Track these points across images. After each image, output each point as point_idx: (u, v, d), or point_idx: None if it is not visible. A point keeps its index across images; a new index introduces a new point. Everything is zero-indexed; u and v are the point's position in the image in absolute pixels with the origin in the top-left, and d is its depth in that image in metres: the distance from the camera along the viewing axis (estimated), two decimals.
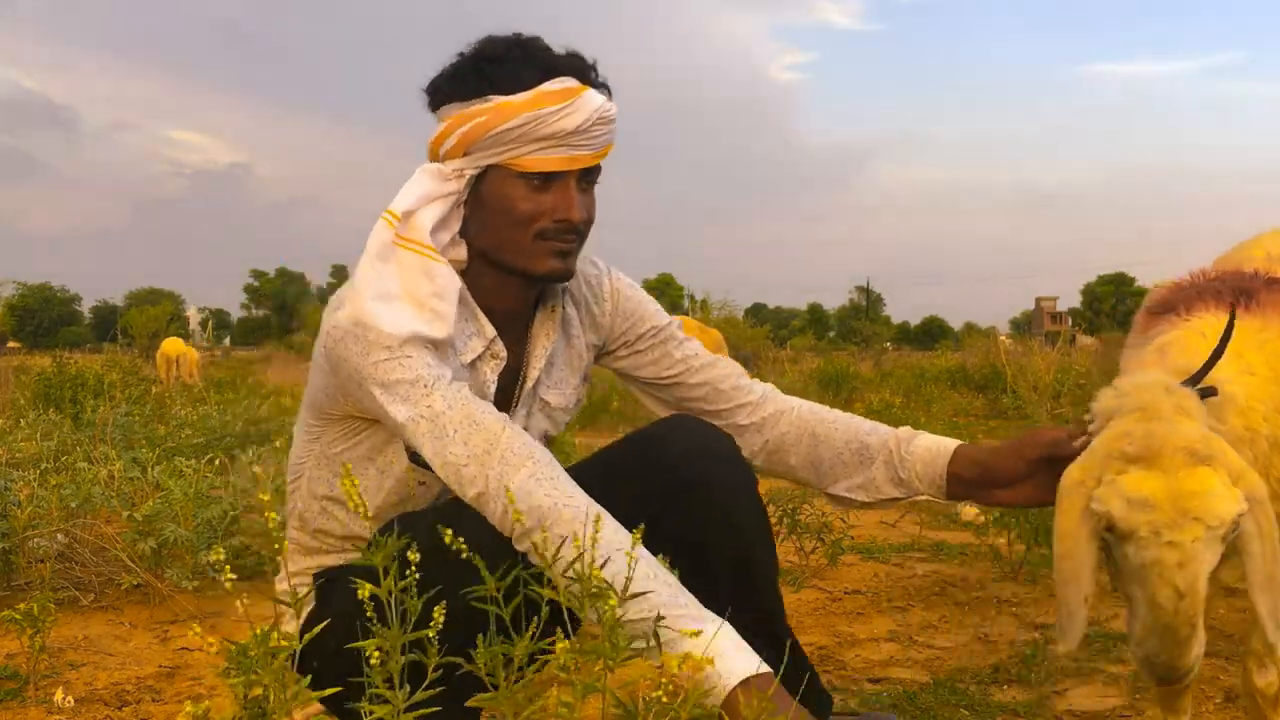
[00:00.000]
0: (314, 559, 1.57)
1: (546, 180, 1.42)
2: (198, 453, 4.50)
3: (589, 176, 1.47)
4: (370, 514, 1.29)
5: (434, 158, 1.47)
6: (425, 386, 1.33)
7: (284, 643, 1.03)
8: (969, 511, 4.35)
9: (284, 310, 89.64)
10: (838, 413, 1.66)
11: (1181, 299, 1.63)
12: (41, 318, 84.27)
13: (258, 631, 1.03)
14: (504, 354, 1.50)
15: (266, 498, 1.08)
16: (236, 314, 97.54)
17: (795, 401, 1.67)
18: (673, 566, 1.26)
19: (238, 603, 1.04)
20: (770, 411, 1.65)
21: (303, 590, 1.23)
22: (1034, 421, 8.42)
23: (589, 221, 1.48)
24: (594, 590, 1.07)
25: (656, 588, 1.18)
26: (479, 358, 1.48)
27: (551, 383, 1.59)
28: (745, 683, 1.13)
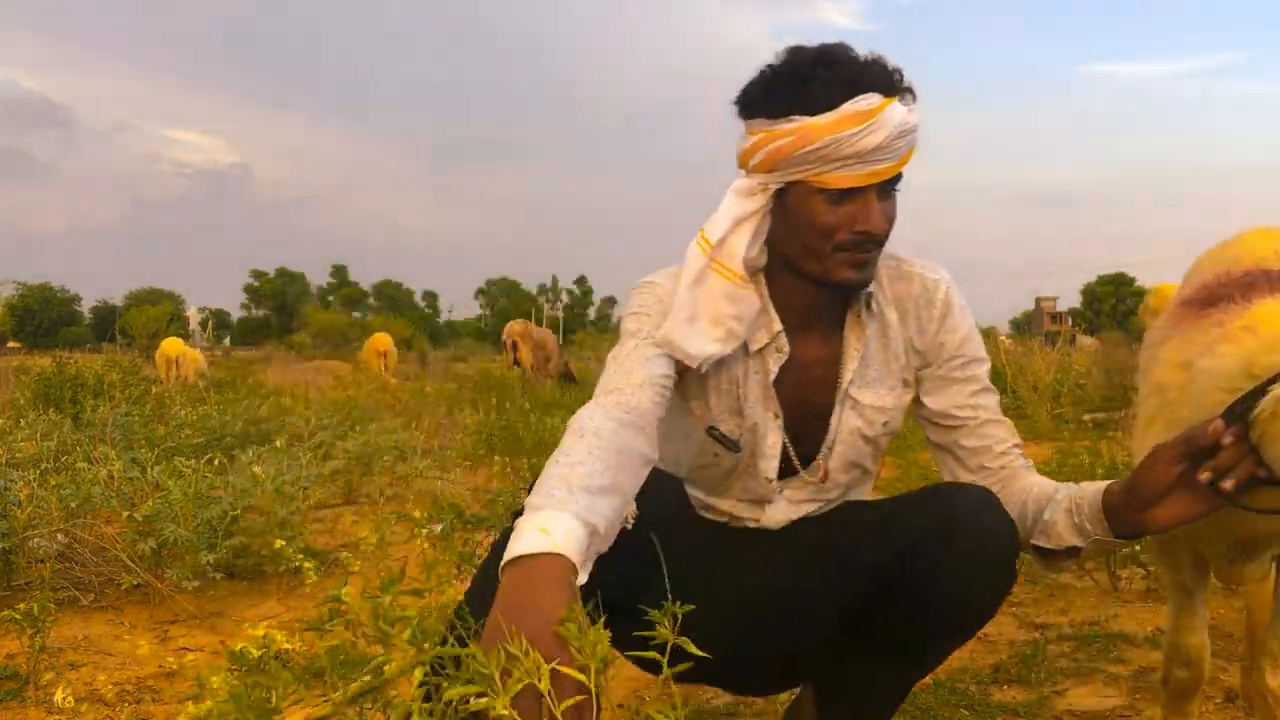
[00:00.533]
0: None
1: (847, 194, 1.47)
2: (198, 453, 4.50)
3: (889, 185, 1.51)
4: (685, 473, 1.69)
5: (742, 166, 1.56)
6: (629, 340, 1.55)
7: (285, 645, 1.03)
8: None
9: (284, 310, 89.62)
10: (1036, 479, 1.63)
11: (1234, 289, 1.60)
12: (41, 318, 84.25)
13: (259, 632, 1.03)
14: (786, 349, 1.61)
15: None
16: (236, 314, 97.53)
17: (1033, 490, 1.60)
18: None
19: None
20: (1011, 477, 1.62)
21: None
22: (1034, 422, 8.42)
23: (888, 230, 1.53)
24: None
25: (549, 483, 1.27)
26: (764, 348, 1.60)
27: (865, 382, 1.64)
28: (515, 559, 1.15)
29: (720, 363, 1.59)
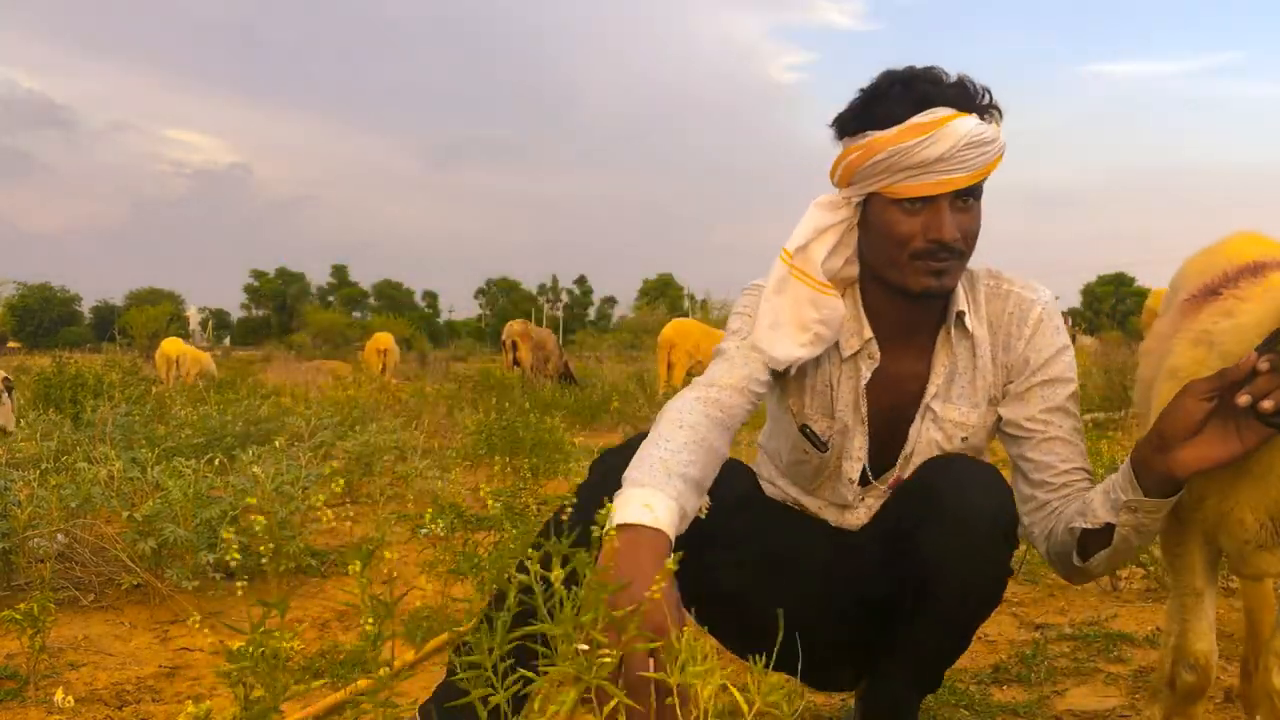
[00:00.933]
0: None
1: (920, 203, 1.53)
2: (198, 453, 4.50)
3: (966, 196, 1.55)
4: (783, 467, 1.79)
5: (834, 183, 1.65)
6: (730, 338, 1.66)
7: (285, 643, 1.03)
8: None
9: (284, 310, 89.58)
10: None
11: (1241, 275, 1.60)
12: (41, 318, 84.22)
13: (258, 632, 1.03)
14: (878, 355, 1.67)
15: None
16: (236, 314, 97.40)
17: (1075, 506, 1.61)
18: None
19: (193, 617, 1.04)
20: (1055, 519, 1.62)
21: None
22: None
23: (967, 238, 1.57)
24: None
25: (650, 462, 1.41)
26: (856, 354, 1.67)
27: (949, 397, 1.69)
28: (620, 527, 1.30)
29: (816, 364, 1.68)
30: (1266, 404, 1.32)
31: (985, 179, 1.57)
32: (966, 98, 1.54)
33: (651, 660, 1.16)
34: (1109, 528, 1.50)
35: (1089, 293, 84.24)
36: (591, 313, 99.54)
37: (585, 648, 1.11)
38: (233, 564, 1.46)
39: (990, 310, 1.69)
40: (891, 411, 1.69)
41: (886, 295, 1.64)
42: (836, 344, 1.66)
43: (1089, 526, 1.52)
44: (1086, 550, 1.55)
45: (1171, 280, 1.89)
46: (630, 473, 1.40)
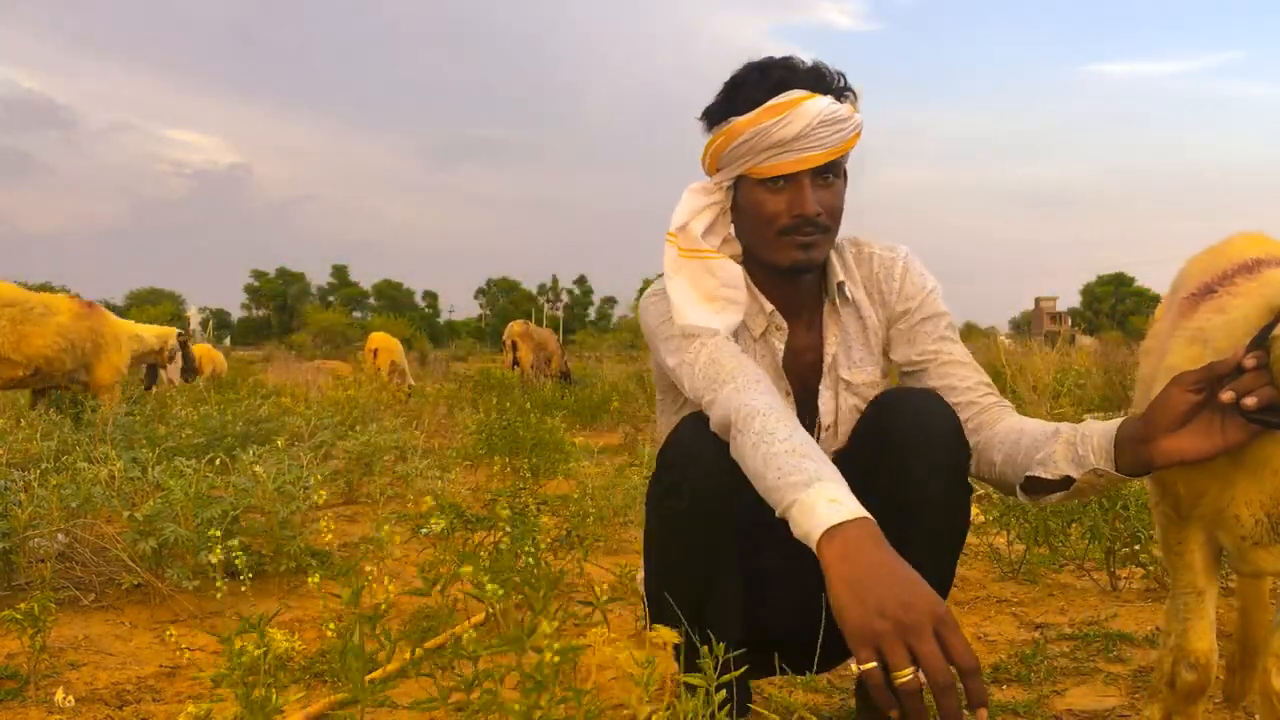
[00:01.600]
0: None
1: (783, 181, 1.62)
2: (198, 453, 4.50)
3: (826, 173, 1.64)
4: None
5: (705, 172, 1.74)
6: (690, 341, 1.63)
7: (284, 644, 1.03)
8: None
9: (284, 310, 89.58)
10: (1032, 422, 1.68)
11: (1237, 273, 1.60)
12: None
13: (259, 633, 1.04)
14: (784, 325, 1.74)
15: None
16: (237, 314, 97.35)
17: (1016, 429, 1.66)
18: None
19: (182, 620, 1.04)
20: (990, 416, 1.70)
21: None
22: None
23: (830, 213, 1.66)
24: None
25: (781, 459, 1.35)
26: (766, 331, 1.74)
27: (852, 363, 1.79)
28: (828, 532, 1.24)
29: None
30: (1249, 401, 1.32)
31: (844, 157, 1.66)
32: (820, 81, 1.63)
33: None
34: (1066, 477, 1.56)
35: (1089, 293, 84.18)
36: (591, 313, 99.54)
37: (872, 665, 1.13)
38: (210, 564, 1.45)
39: (861, 274, 1.80)
40: (800, 385, 1.77)
41: (767, 274, 1.73)
42: (746, 327, 1.72)
43: (1046, 476, 1.56)
44: (1035, 489, 1.61)
45: (1173, 280, 1.90)
46: (783, 477, 1.33)
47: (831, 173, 1.65)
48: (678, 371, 1.64)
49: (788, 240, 1.64)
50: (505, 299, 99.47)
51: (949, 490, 1.63)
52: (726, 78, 1.68)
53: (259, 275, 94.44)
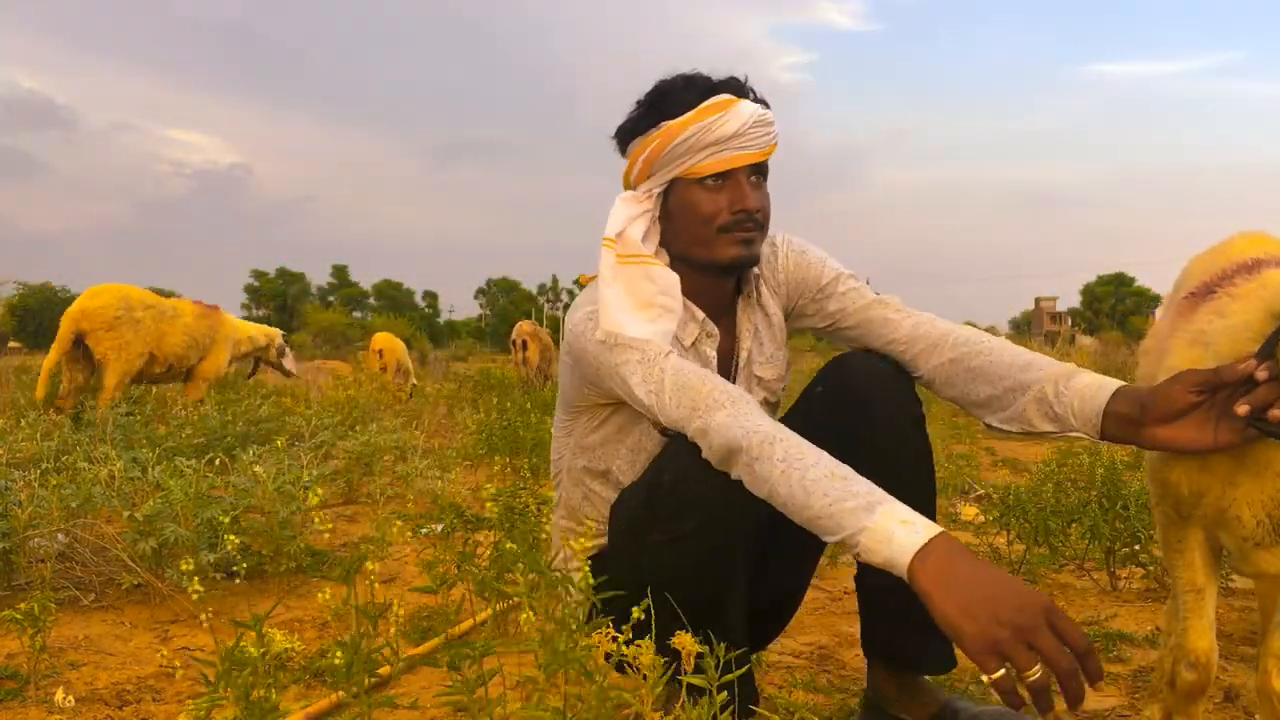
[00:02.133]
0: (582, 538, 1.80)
1: (720, 180, 1.66)
2: (198, 453, 4.50)
3: (758, 172, 1.70)
4: (645, 461, 1.73)
5: (628, 186, 1.76)
6: (649, 363, 1.58)
7: (283, 644, 1.04)
8: (969, 511, 4.36)
9: (284, 310, 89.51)
10: (994, 342, 1.72)
11: (1236, 273, 1.61)
12: (42, 318, 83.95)
13: (259, 633, 1.03)
14: (716, 332, 1.77)
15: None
16: (237, 314, 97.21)
17: (948, 332, 1.74)
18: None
19: (202, 616, 1.05)
20: (921, 349, 1.75)
21: (576, 573, 1.43)
22: None
23: (765, 210, 1.70)
24: None
25: (824, 484, 1.33)
26: (697, 339, 1.76)
27: (763, 359, 1.84)
28: (917, 556, 1.23)
29: None
30: (1276, 413, 1.34)
31: (768, 160, 1.71)
32: (742, 88, 1.70)
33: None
34: (1042, 432, 1.62)
35: (1089, 293, 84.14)
36: None
37: (1002, 672, 1.16)
38: (209, 564, 1.45)
39: (760, 271, 1.84)
40: None
41: (698, 277, 1.74)
42: (677, 337, 1.73)
43: (1014, 430, 1.65)
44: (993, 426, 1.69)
45: (1176, 279, 1.90)
46: (837, 504, 1.31)
47: (762, 174, 1.71)
48: (644, 399, 1.57)
49: (728, 237, 1.68)
50: (505, 299, 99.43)
51: (909, 434, 1.75)
52: (643, 96, 1.73)
53: (259, 275, 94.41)
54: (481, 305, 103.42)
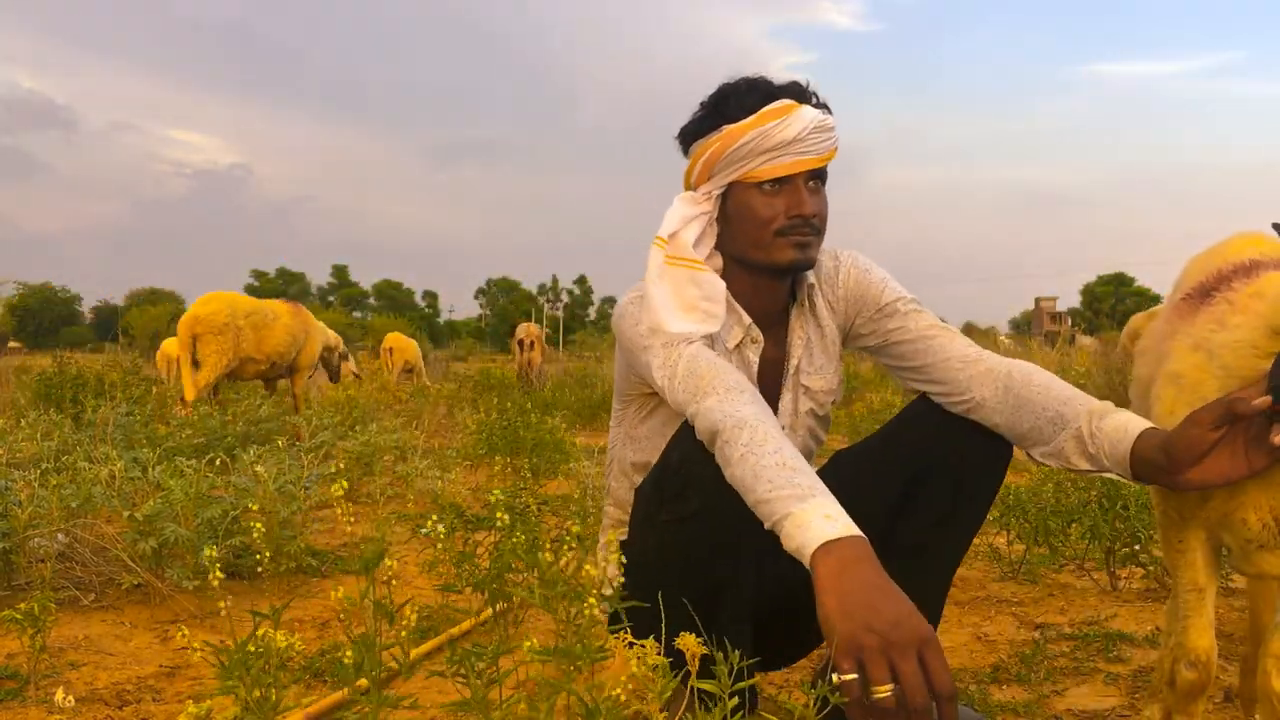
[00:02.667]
0: (625, 530, 1.82)
1: (778, 185, 1.67)
2: (198, 453, 4.50)
3: (816, 178, 1.71)
4: None
5: (688, 187, 1.77)
6: (671, 348, 1.62)
7: (283, 642, 1.04)
8: None
9: None
10: (1047, 376, 1.72)
11: (1233, 275, 1.62)
12: (42, 318, 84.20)
13: (259, 634, 1.04)
14: (761, 338, 1.78)
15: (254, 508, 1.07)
16: None
17: (1006, 361, 1.74)
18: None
19: (221, 604, 1.05)
20: (977, 371, 1.75)
21: (612, 559, 1.47)
22: None
23: (821, 216, 1.71)
24: None
25: (772, 472, 1.34)
26: (740, 343, 1.76)
27: (813, 369, 1.84)
28: (824, 546, 1.23)
29: None
30: None
31: (828, 166, 1.72)
32: (803, 93, 1.71)
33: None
34: (1077, 469, 1.64)
35: (1089, 293, 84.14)
36: (591, 313, 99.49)
37: (853, 676, 1.12)
38: (209, 564, 1.45)
39: (816, 282, 1.84)
40: (762, 388, 1.77)
41: (750, 280, 1.75)
42: (721, 338, 1.74)
43: (1053, 466, 1.66)
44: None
45: (1175, 279, 1.90)
46: (776, 491, 1.32)
47: (821, 179, 1.72)
48: (660, 382, 1.63)
49: (784, 240, 1.68)
50: (505, 299, 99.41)
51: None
52: (706, 98, 1.73)
53: (259, 275, 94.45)
54: (481, 305, 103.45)
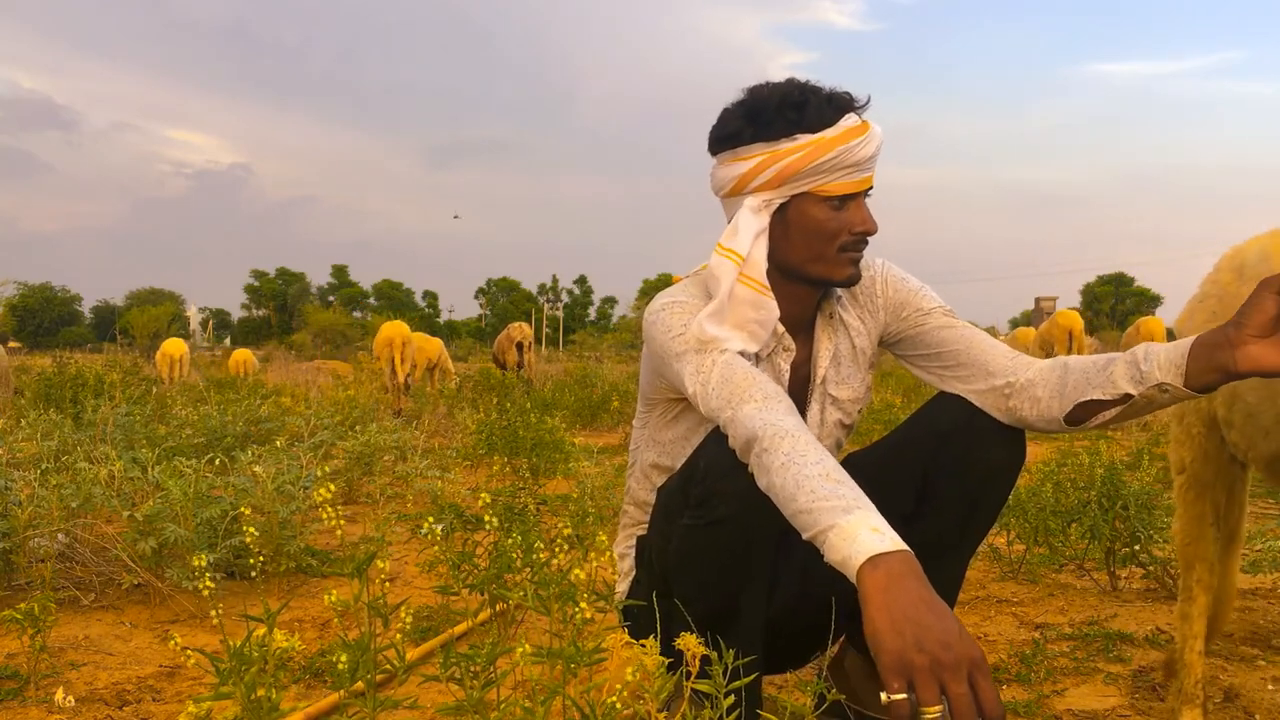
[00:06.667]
0: (644, 530, 1.83)
1: (843, 201, 1.68)
2: (198, 453, 4.50)
3: (868, 193, 1.72)
4: None
5: (736, 190, 1.71)
6: (704, 354, 1.61)
7: (284, 643, 1.04)
8: None
9: (284, 310, 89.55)
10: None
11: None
12: (42, 318, 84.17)
13: (258, 634, 1.04)
14: (793, 346, 1.78)
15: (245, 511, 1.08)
16: (237, 314, 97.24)
17: (1056, 358, 1.73)
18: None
19: (214, 611, 1.05)
20: (1025, 360, 1.73)
21: (629, 559, 1.47)
22: None
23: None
24: None
25: (815, 483, 1.33)
26: (772, 351, 1.76)
27: (840, 379, 1.84)
28: (870, 560, 1.21)
29: None
30: None
31: None
32: (864, 107, 1.71)
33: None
34: (1125, 394, 1.57)
35: (1089, 293, 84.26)
36: (591, 313, 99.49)
37: (903, 696, 1.10)
38: (199, 564, 1.45)
39: (846, 291, 1.84)
40: (798, 400, 1.78)
41: (787, 289, 1.74)
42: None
43: (1104, 398, 1.59)
44: (1080, 416, 1.63)
45: (1205, 277, 1.96)
46: (820, 502, 1.31)
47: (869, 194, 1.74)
48: (691, 388, 1.61)
49: (846, 256, 1.69)
50: (505, 299, 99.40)
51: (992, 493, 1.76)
52: (757, 97, 1.69)
53: (259, 275, 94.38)
54: (481, 305, 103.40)
